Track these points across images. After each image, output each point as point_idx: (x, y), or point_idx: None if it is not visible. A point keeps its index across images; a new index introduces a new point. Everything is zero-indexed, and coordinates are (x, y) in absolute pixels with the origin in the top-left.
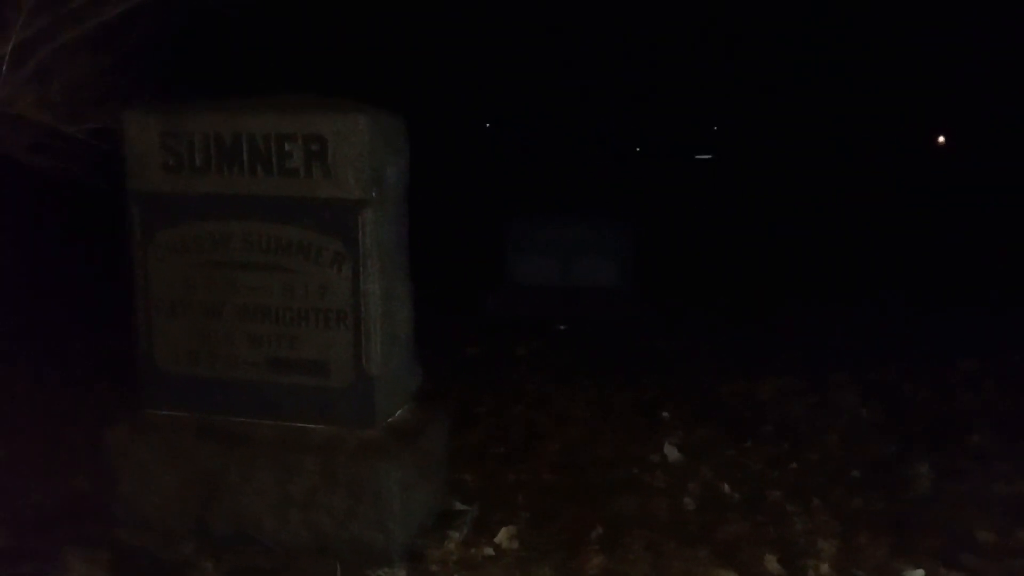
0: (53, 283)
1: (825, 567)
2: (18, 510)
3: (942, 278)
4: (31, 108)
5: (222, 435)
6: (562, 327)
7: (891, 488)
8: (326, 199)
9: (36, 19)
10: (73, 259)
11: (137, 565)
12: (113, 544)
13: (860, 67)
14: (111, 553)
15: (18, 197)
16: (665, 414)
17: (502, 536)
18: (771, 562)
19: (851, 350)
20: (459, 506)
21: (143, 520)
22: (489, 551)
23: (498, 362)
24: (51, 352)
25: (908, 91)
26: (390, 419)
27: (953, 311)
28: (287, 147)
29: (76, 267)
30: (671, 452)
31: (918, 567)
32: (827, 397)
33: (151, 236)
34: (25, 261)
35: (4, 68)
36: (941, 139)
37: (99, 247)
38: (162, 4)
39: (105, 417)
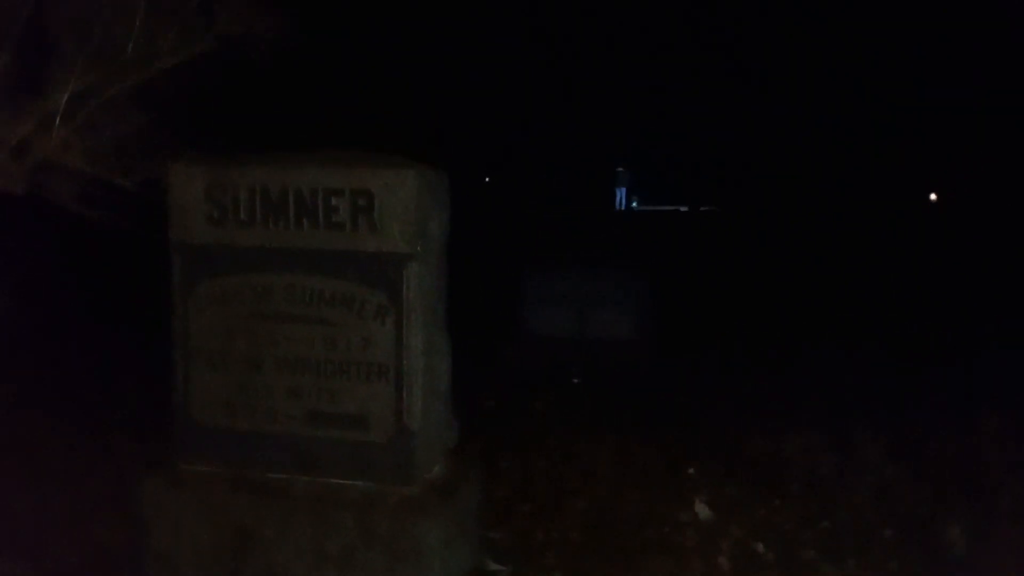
0: (81, 332)
1: None
2: (44, 565)
3: (952, 329)
4: (81, 160)
5: (258, 490)
6: (576, 380)
7: (926, 548)
8: (372, 253)
9: (86, 74)
10: (102, 310)
11: None
12: None
13: (858, 124)
14: None
15: (50, 247)
16: (691, 471)
17: None
18: None
19: (871, 402)
20: (493, 566)
21: (173, 573)
22: None
23: (517, 416)
24: (76, 401)
25: (903, 150)
26: (428, 475)
27: (966, 361)
28: (334, 201)
29: (106, 319)
30: (702, 510)
31: None
32: (852, 453)
33: (192, 287)
34: (53, 309)
35: (57, 121)
36: (933, 196)
37: (132, 298)
38: (206, 60)
39: (136, 469)
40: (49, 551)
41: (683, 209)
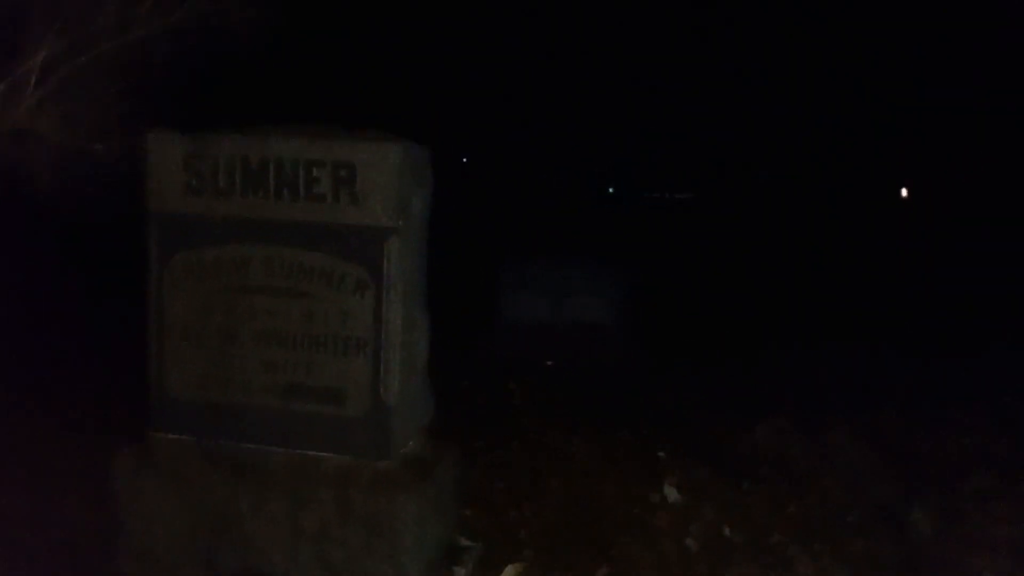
0: (52, 306)
1: None
2: (14, 538)
3: (923, 323)
4: (53, 127)
5: (232, 463)
6: (549, 363)
7: (893, 531)
8: (352, 226)
9: (59, 39)
10: (74, 283)
11: None
12: (114, 574)
13: (835, 116)
14: None
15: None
16: (661, 454)
17: (508, 574)
18: None
19: (842, 392)
20: (464, 542)
21: (148, 551)
22: None
23: (492, 397)
24: (49, 376)
25: (878, 147)
26: (404, 450)
27: (936, 353)
28: (315, 172)
29: (77, 291)
30: (671, 493)
31: None
32: (821, 440)
33: (168, 258)
34: (26, 283)
35: (31, 84)
36: (904, 192)
37: (107, 271)
38: (182, 32)
39: (107, 441)
40: (19, 524)
41: (655, 195)
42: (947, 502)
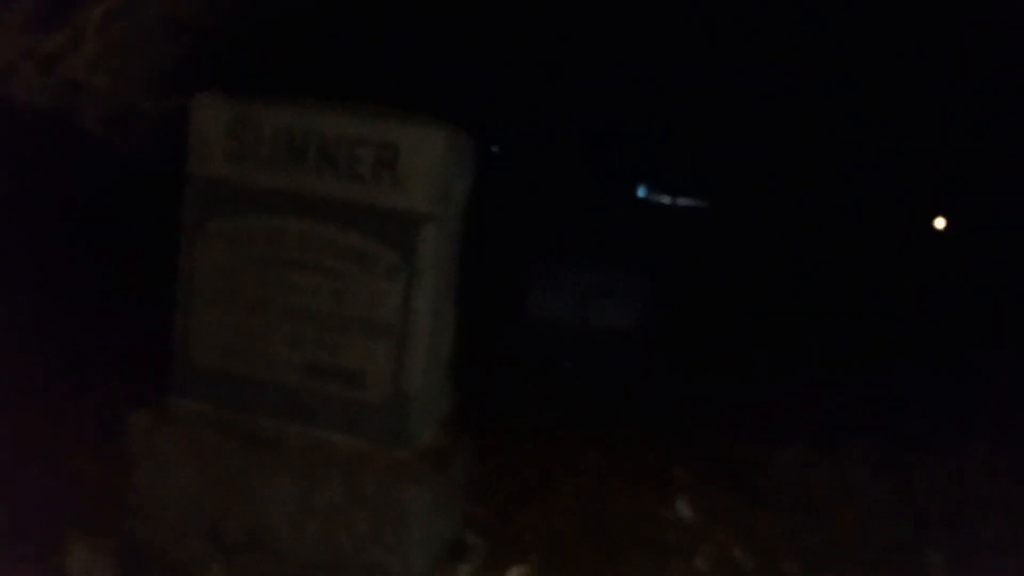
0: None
1: None
2: (22, 491)
3: (949, 351)
4: (107, 81)
5: (247, 435)
6: (569, 364)
7: (906, 573)
8: (390, 209)
9: None
10: (109, 243)
11: (142, 558)
12: (121, 534)
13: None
14: (117, 543)
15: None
16: (677, 470)
17: (512, 575)
18: None
19: (864, 421)
20: (471, 539)
21: (155, 513)
22: None
23: (509, 395)
24: (67, 341)
25: (911, 175)
26: (420, 440)
27: (960, 382)
28: (358, 151)
29: (113, 253)
30: (683, 510)
31: None
32: (841, 472)
33: (204, 224)
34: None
35: (87, 38)
36: (941, 222)
37: (142, 232)
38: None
39: (125, 403)
40: (27, 481)
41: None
42: (961, 549)
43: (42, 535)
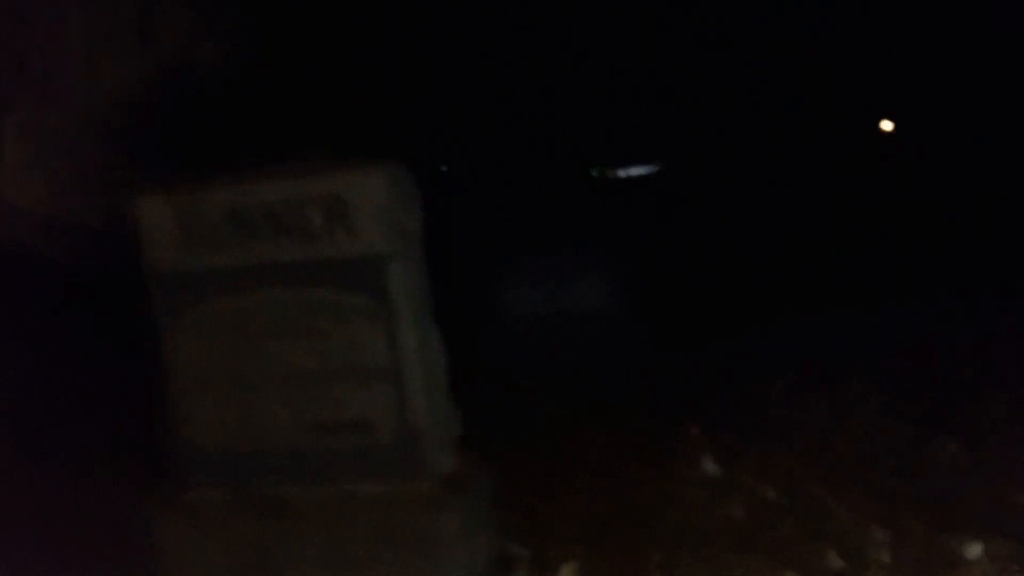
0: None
1: (885, 555)
2: None
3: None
4: (35, 199)
5: (265, 505)
6: (557, 353)
7: (924, 467)
8: (352, 258)
9: (29, 105)
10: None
11: None
12: None
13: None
14: None
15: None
16: (694, 431)
17: (565, 574)
18: (832, 557)
19: (853, 347)
20: (514, 549)
21: None
22: None
23: (505, 400)
24: (65, 439)
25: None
26: (437, 468)
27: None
28: (307, 211)
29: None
30: (709, 465)
31: (974, 540)
32: (838, 391)
33: (175, 315)
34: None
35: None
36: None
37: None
38: (152, 84)
39: (133, 500)
40: None
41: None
42: (970, 432)
43: None
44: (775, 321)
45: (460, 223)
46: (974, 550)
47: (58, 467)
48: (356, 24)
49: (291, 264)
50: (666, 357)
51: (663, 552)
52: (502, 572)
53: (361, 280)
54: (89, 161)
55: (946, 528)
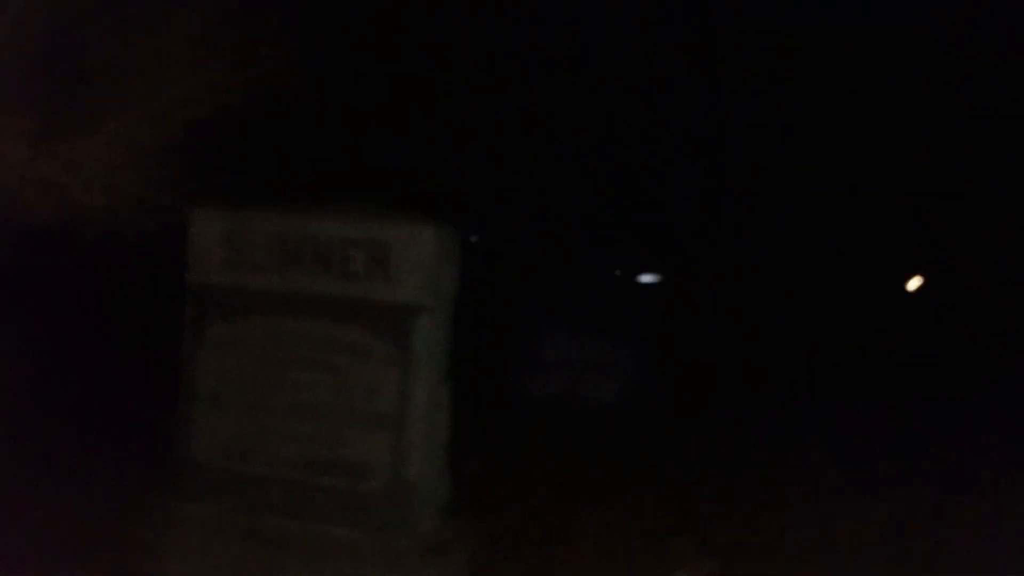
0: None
1: None
2: None
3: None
4: (105, 199)
5: (249, 534)
6: (569, 442)
7: None
8: (385, 303)
9: (118, 117)
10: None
11: None
12: None
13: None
14: None
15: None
16: (676, 542)
17: None
18: None
19: (866, 487)
20: None
21: None
22: None
23: (507, 478)
24: (70, 436)
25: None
26: (421, 529)
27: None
28: (351, 251)
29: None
30: None
31: None
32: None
33: (203, 328)
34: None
35: (87, 161)
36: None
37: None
38: (234, 110)
39: (130, 510)
40: None
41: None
42: None
43: None
44: (804, 440)
45: (490, 297)
46: None
47: (65, 467)
48: (434, 90)
49: (324, 297)
50: (681, 458)
51: None
52: None
53: (389, 326)
54: (160, 178)
55: None
